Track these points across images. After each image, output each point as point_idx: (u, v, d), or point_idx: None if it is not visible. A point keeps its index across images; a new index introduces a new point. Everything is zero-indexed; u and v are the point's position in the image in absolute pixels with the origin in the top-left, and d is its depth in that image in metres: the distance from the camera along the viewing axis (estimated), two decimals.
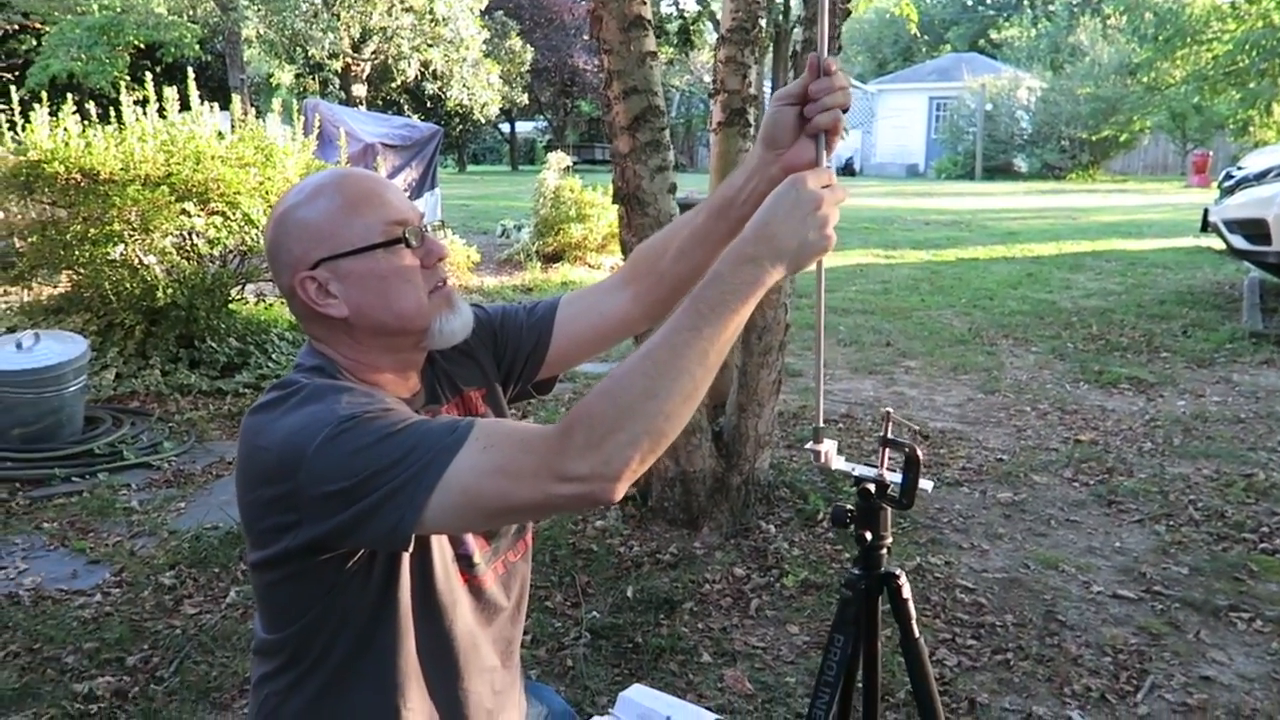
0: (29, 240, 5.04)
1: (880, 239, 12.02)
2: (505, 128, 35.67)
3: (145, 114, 5.08)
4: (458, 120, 27.19)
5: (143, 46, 18.07)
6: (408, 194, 9.46)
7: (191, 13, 17.60)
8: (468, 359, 1.38)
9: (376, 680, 1.20)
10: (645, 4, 3.10)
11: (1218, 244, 7.09)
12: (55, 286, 5.50)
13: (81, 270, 4.97)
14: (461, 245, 8.70)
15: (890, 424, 1.45)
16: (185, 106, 5.33)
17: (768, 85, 13.65)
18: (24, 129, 4.87)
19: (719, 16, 3.45)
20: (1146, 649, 2.69)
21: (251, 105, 5.92)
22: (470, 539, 1.27)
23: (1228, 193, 6.83)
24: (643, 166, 3.09)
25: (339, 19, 19.78)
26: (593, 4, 3.12)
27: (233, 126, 5.53)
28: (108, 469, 3.95)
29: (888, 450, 1.46)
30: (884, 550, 1.50)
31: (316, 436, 1.03)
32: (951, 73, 30.03)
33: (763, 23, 3.49)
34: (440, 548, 1.22)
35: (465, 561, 1.27)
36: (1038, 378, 5.52)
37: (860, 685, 1.60)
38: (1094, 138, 24.22)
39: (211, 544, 3.33)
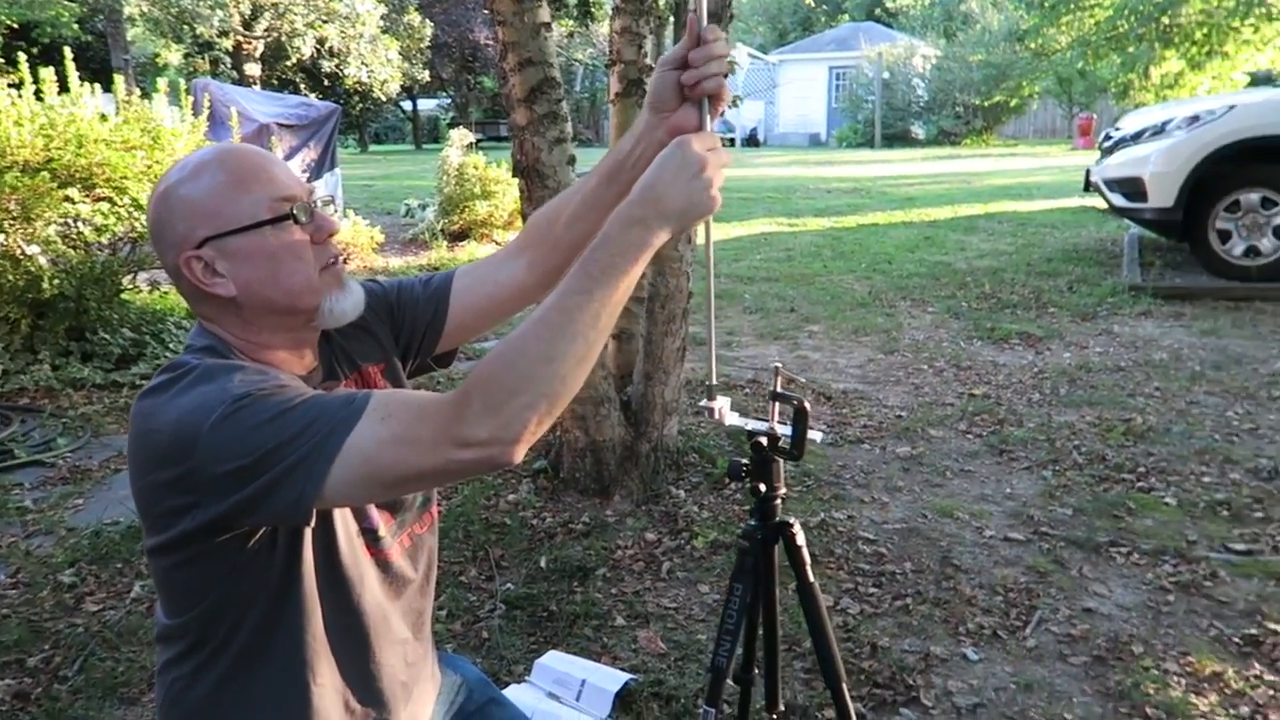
0: None
1: (784, 207, 12.22)
2: (407, 105, 34.89)
3: (20, 97, 4.83)
4: (357, 99, 26.49)
5: (16, 26, 17.11)
6: (306, 175, 9.24)
7: None
8: (365, 334, 1.38)
9: (284, 659, 1.20)
10: None
11: (1100, 203, 7.43)
12: None
13: None
14: (365, 226, 8.54)
15: (780, 379, 1.51)
16: (65, 89, 5.09)
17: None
18: None
19: None
20: (1034, 586, 2.85)
21: (137, 86, 5.66)
22: (374, 513, 1.28)
23: (1107, 153, 7.15)
24: (541, 139, 3.10)
25: None
26: None
27: (117, 109, 5.31)
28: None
29: (778, 404, 1.52)
30: (778, 501, 1.56)
31: (210, 415, 1.03)
32: (850, 42, 30.50)
33: None
34: (344, 522, 1.22)
35: (370, 535, 1.27)
36: (934, 336, 5.73)
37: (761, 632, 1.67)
38: (986, 104, 24.96)
39: (113, 539, 3.24)
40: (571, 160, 3.16)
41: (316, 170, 9.26)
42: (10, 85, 4.94)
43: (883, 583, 2.90)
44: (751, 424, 1.52)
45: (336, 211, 8.26)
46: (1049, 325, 5.82)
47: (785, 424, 1.50)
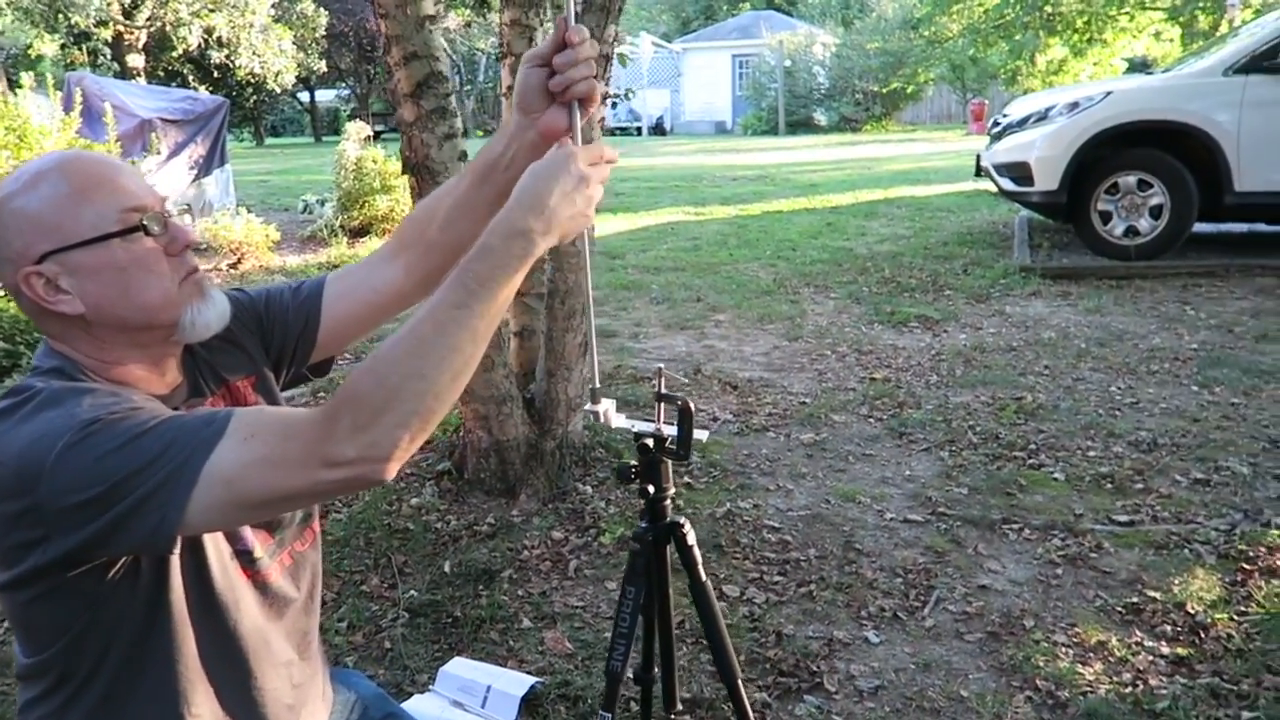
0: None
1: (690, 196, 12.28)
2: (305, 97, 33.93)
3: None
4: (251, 90, 25.58)
5: None
6: (194, 171, 8.90)
7: None
8: (232, 347, 1.32)
9: (155, 690, 1.15)
10: None
11: (991, 187, 7.66)
12: None
13: None
14: (260, 224, 8.26)
15: (663, 379, 1.50)
16: None
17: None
18: None
19: None
20: (932, 566, 2.92)
21: (8, 80, 5.34)
22: (249, 533, 1.23)
23: (996, 138, 7.38)
24: (430, 135, 3.02)
25: None
26: None
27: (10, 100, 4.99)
28: None
29: (663, 405, 1.51)
30: (667, 502, 1.56)
31: (56, 444, 0.98)
32: (752, 30, 30.84)
33: None
34: (216, 545, 1.17)
35: (245, 557, 1.23)
36: (836, 322, 5.83)
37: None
38: (884, 90, 25.56)
39: None
40: (463, 156, 3.09)
41: (205, 167, 8.91)
42: None
43: (787, 570, 2.94)
44: (638, 425, 1.51)
45: (195, 220, 7.95)
46: (946, 308, 5.98)
47: (672, 425, 1.48)
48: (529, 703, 2.32)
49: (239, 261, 8.07)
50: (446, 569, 2.94)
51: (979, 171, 7.62)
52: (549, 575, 2.94)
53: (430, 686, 2.42)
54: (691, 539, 1.56)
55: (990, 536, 3.09)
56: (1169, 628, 2.54)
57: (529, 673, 2.44)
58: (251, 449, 0.99)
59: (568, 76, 1.14)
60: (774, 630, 2.61)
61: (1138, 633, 2.53)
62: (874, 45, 25.54)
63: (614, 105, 12.27)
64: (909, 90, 24.65)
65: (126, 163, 1.20)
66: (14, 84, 5.69)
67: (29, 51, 19.39)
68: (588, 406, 1.42)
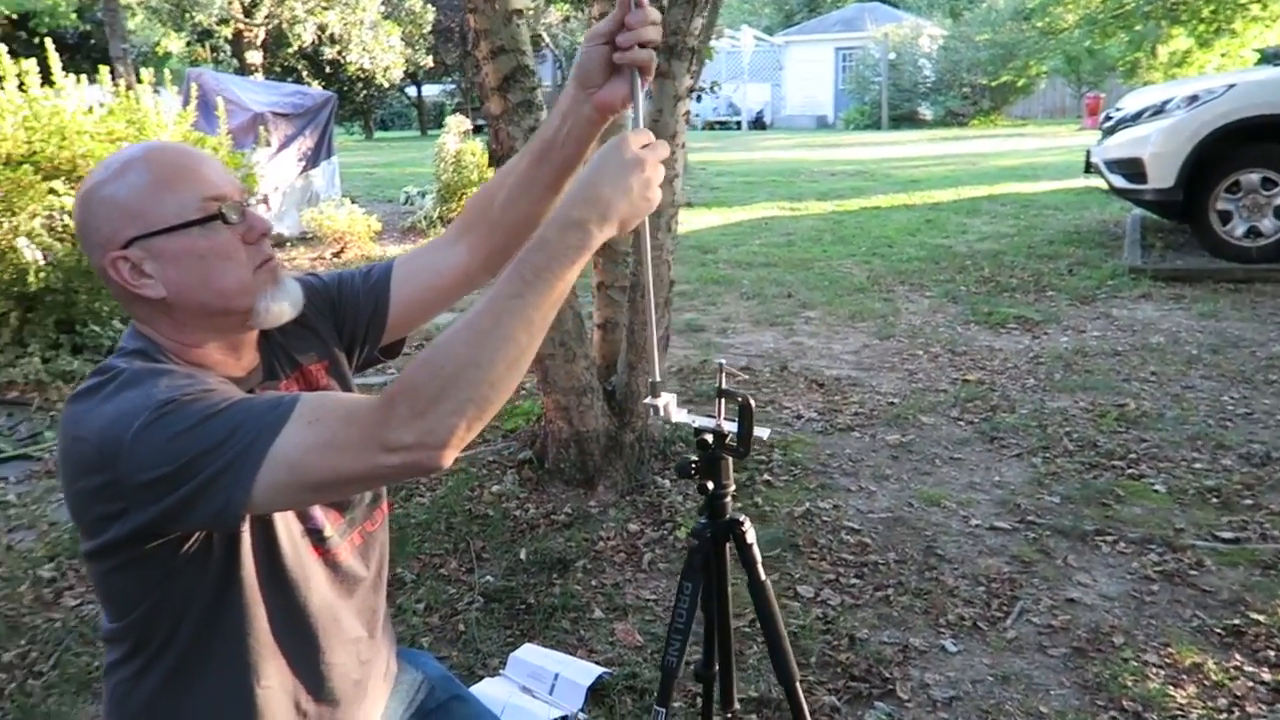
0: None
1: (786, 191, 12.13)
2: (412, 91, 34.79)
3: (3, 89, 4.81)
4: (361, 85, 26.39)
5: (14, 17, 17.11)
6: (302, 163, 9.21)
7: None
8: (306, 331, 1.35)
9: (226, 661, 1.18)
10: None
11: (1102, 184, 7.34)
12: None
13: None
14: (362, 214, 8.52)
15: (724, 375, 1.48)
16: (48, 81, 5.06)
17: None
18: None
19: None
20: (1018, 576, 2.82)
21: (136, 76, 5.62)
22: (319, 513, 1.26)
23: (1108, 133, 7.06)
24: (515, 128, 3.06)
25: None
26: None
27: (117, 98, 5.26)
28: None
29: (724, 401, 1.49)
30: (727, 499, 1.53)
31: (134, 423, 1.01)
32: (856, 22, 30.24)
33: None
34: (286, 524, 1.20)
35: (316, 535, 1.25)
36: (931, 321, 5.68)
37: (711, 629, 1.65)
38: (993, 83, 24.70)
39: None
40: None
41: (313, 159, 9.22)
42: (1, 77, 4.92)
43: (865, 573, 2.88)
44: (699, 421, 1.49)
45: (270, 210, 8.20)
46: (1047, 309, 5.76)
47: (733, 421, 1.46)
48: (596, 692, 2.33)
49: (342, 250, 8.34)
50: (522, 556, 2.98)
51: (1089, 168, 7.30)
52: (623, 567, 2.95)
53: (500, 671, 2.45)
54: (751, 537, 1.54)
55: (1081, 548, 2.97)
56: (1272, 653, 2.39)
57: (598, 663, 2.45)
58: (314, 433, 1.01)
59: (634, 36, 1.14)
60: (847, 634, 2.56)
61: (1237, 656, 2.39)
62: (983, 37, 24.70)
63: (699, 98, 12.19)
64: (1020, 83, 23.79)
65: (209, 153, 1.23)
66: (160, 80, 5.98)
67: (156, 49, 20.39)
68: (648, 400, 1.40)
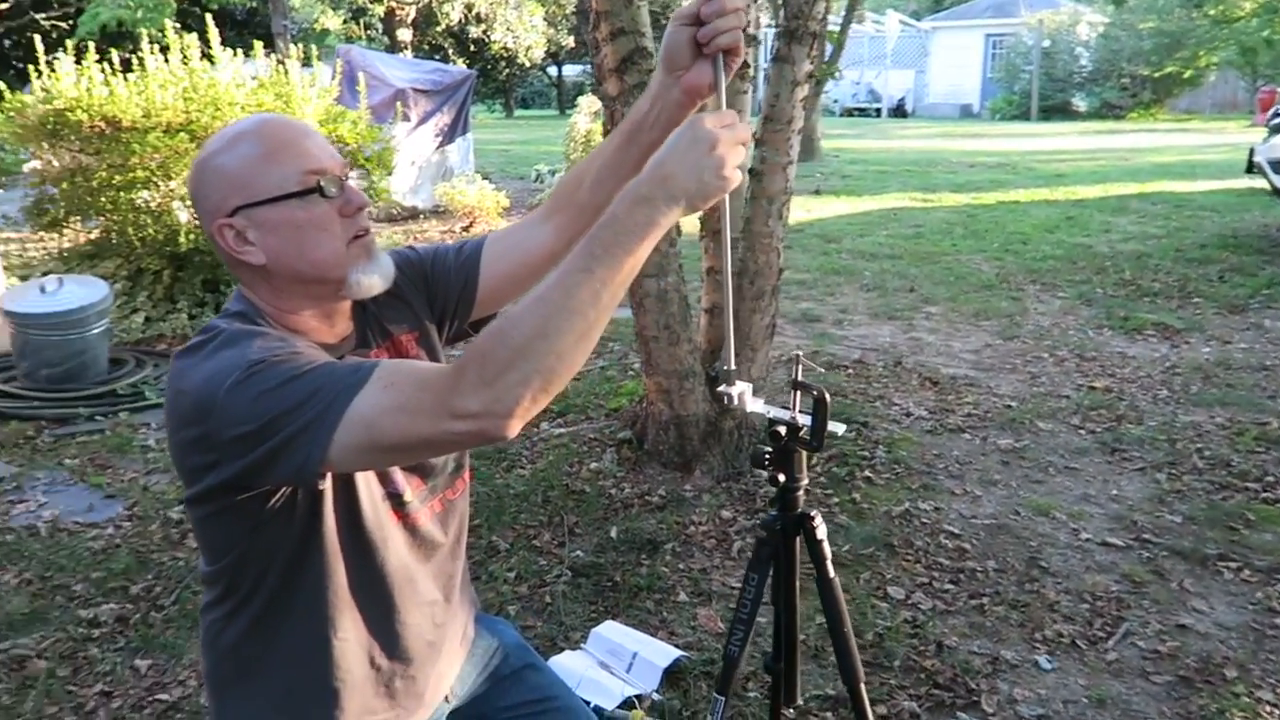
0: (60, 187, 5.18)
1: (920, 182, 11.77)
2: (553, 71, 35.36)
3: (167, 62, 5.15)
4: (503, 64, 27.00)
5: None
6: (439, 139, 9.49)
7: None
8: (399, 301, 1.39)
9: (307, 611, 1.24)
10: None
11: (1266, 185, 6.82)
12: (90, 233, 5.65)
13: (110, 216, 5.10)
14: (491, 190, 8.73)
15: (800, 367, 1.46)
16: (207, 55, 5.39)
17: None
18: (51, 77, 4.98)
19: None
20: (1126, 596, 2.68)
21: (295, 51, 5.95)
22: (400, 478, 1.30)
23: (1276, 131, 6.56)
24: (631, 109, 3.07)
25: None
26: None
27: (282, 70, 5.54)
28: (129, 408, 4.11)
29: (798, 393, 1.47)
30: (799, 492, 1.51)
31: (226, 381, 1.07)
32: (1009, 8, 28.91)
33: None
34: (368, 486, 1.25)
35: (396, 500, 1.29)
36: (1060, 324, 5.42)
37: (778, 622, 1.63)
38: (1157, 75, 23.24)
39: None
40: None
41: (449, 135, 9.50)
42: (164, 49, 5.27)
43: (961, 580, 2.79)
44: (774, 412, 1.47)
45: (364, 185, 8.40)
46: (1191, 317, 5.41)
47: (808, 413, 1.44)
48: (672, 675, 2.35)
49: (471, 224, 8.58)
50: (613, 534, 3.02)
51: (1252, 168, 6.80)
52: (712, 553, 2.95)
53: (581, 645, 2.50)
54: (822, 533, 1.51)
55: (1201, 572, 2.79)
56: None
57: (677, 646, 2.46)
58: (389, 396, 1.05)
59: (715, 26, 1.13)
60: (935, 640, 2.49)
61: None
62: (1148, 25, 23.23)
63: (818, 83, 11.94)
64: (1186, 75, 22.31)
65: (313, 127, 1.28)
66: (309, 56, 6.28)
67: (315, 25, 21.38)
68: (721, 388, 1.39)
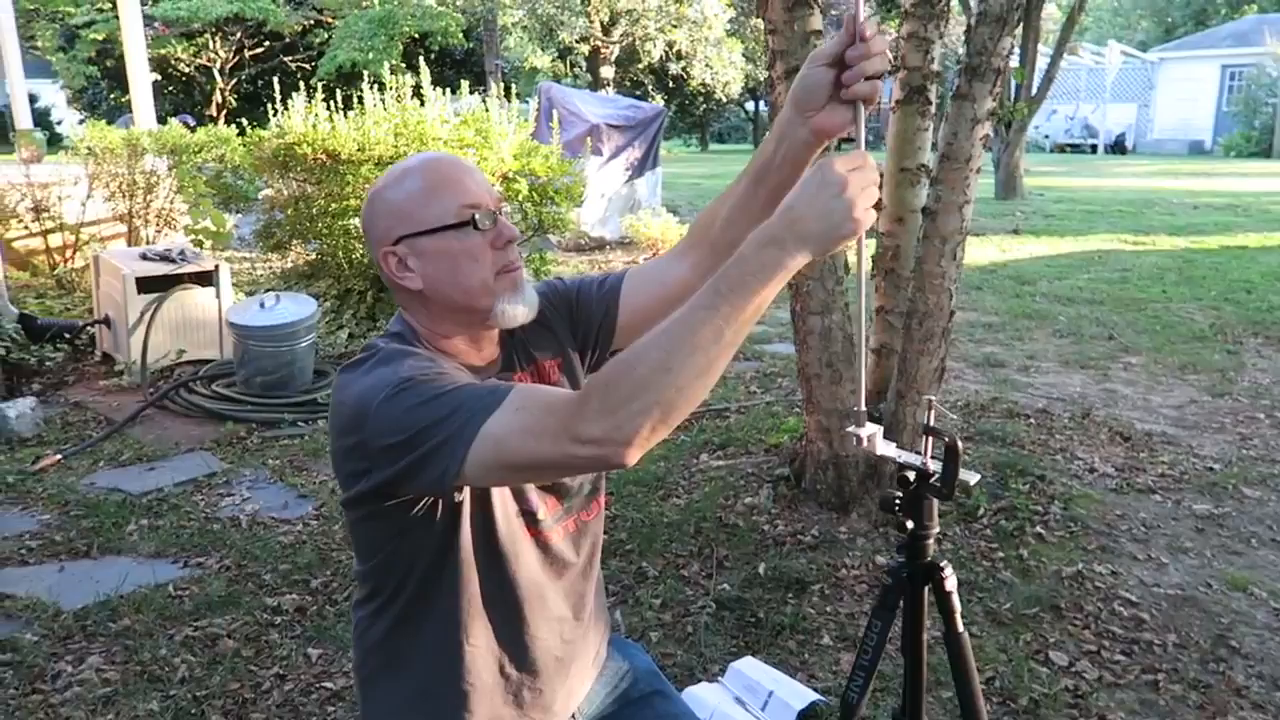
0: (286, 213, 5.74)
1: (1132, 223, 11.00)
2: (750, 106, 35.62)
3: (383, 98, 5.62)
4: (701, 99, 27.46)
5: (416, 36, 19.71)
6: (629, 172, 9.77)
7: (456, 2, 18.96)
8: (545, 330, 1.46)
9: (444, 616, 1.33)
10: None
11: None
12: (309, 255, 6.21)
13: (325, 240, 5.59)
14: (675, 223, 8.91)
15: (933, 412, 1.42)
16: (417, 93, 5.82)
17: (1015, 58, 12.80)
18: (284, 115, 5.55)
19: None
20: None
21: (505, 89, 6.38)
22: (535, 497, 1.36)
23: None
24: None
25: (589, 3, 20.56)
26: None
27: (501, 106, 5.90)
28: (326, 416, 4.47)
29: (930, 439, 1.43)
30: (929, 540, 1.47)
31: (379, 395, 1.17)
32: (1251, 37, 26.65)
33: None
34: (503, 503, 1.32)
35: (530, 517, 1.36)
36: None
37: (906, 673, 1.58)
38: None
39: None
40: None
41: (639, 169, 9.77)
42: (379, 87, 5.74)
43: (1134, 652, 2.58)
44: (905, 457, 1.44)
45: (617, 217, 8.49)
46: None
47: (939, 460, 1.40)
48: (806, 717, 2.30)
49: (654, 255, 8.78)
50: (761, 570, 3.00)
51: None
52: (862, 598, 2.87)
53: (718, 678, 2.50)
54: (951, 584, 1.46)
55: None
56: None
57: (815, 689, 2.42)
58: (519, 418, 1.11)
59: (859, 70, 1.12)
60: (1098, 714, 2.32)
61: None
62: None
63: (1006, 123, 11.44)
64: None
65: (474, 164, 1.39)
66: (517, 93, 6.68)
67: (525, 64, 22.56)
68: (850, 428, 1.37)
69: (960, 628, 1.47)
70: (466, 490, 1.26)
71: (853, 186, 1.04)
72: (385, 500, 1.23)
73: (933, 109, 3.52)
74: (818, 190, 1.05)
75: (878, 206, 1.21)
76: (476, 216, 1.28)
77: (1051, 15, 21.09)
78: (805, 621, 2.73)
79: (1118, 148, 27.29)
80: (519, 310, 1.33)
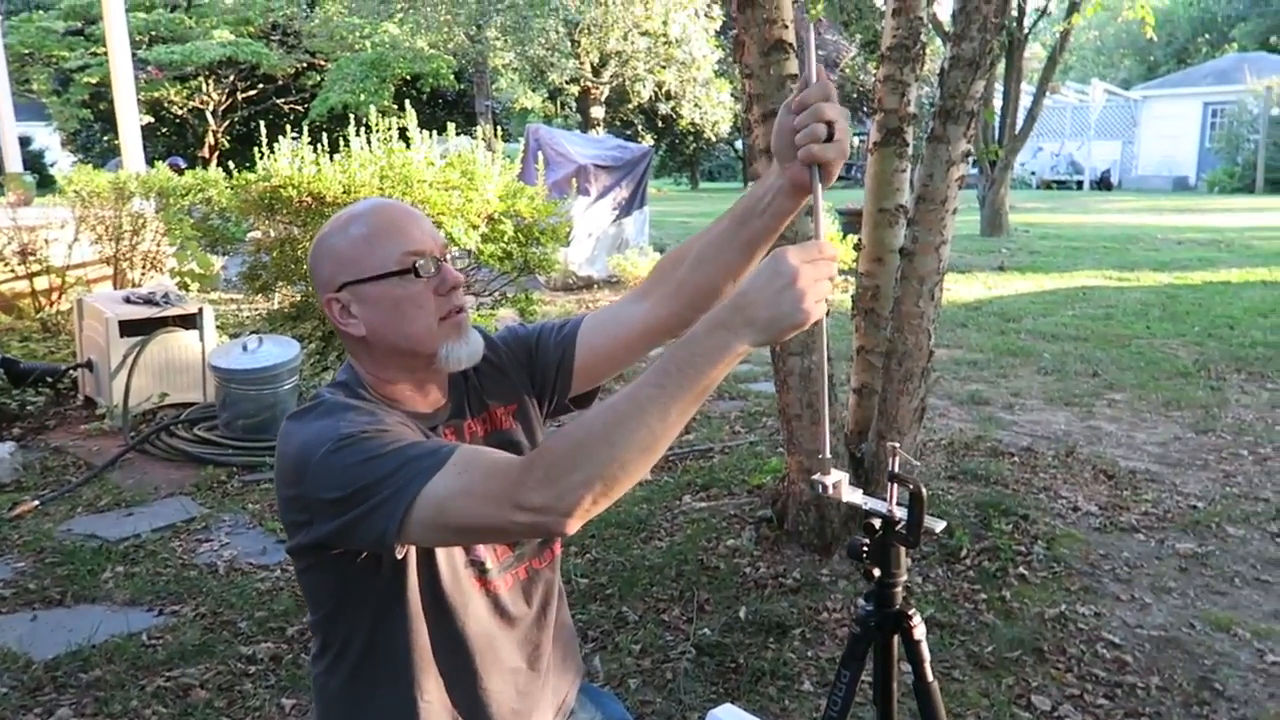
0: (272, 255, 5.74)
1: (1116, 259, 11.10)
2: (739, 145, 35.95)
3: (369, 141, 5.65)
4: (690, 139, 27.72)
5: (407, 78, 19.91)
6: (616, 212, 9.84)
7: (447, 46, 19.17)
8: (500, 375, 1.46)
9: (394, 671, 1.31)
10: (787, 28, 3.11)
11: None
12: (294, 296, 6.21)
13: (309, 282, 5.59)
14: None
15: (896, 459, 1.42)
16: (404, 138, 5.86)
17: (999, 98, 12.97)
18: (271, 158, 5.57)
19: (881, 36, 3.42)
20: None
21: (494, 130, 6.41)
22: (483, 547, 1.35)
23: None
24: None
25: (578, 45, 20.81)
26: (736, 29, 3.18)
27: (489, 148, 5.95)
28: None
29: (895, 485, 1.42)
30: (897, 588, 1.46)
31: (320, 449, 1.17)
32: (1232, 75, 27.04)
33: (924, 40, 3.40)
34: (449, 553, 1.31)
35: (478, 567, 1.35)
36: (1267, 418, 4.94)
37: None
38: None
39: None
40: (808, 211, 3.13)
41: (626, 208, 9.83)
42: (365, 129, 5.78)
43: (1117, 695, 2.56)
44: (870, 504, 1.43)
45: (604, 256, 8.50)
46: None
47: (905, 507, 1.39)
48: None
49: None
50: (742, 614, 2.97)
51: None
52: (844, 642, 2.83)
53: None
54: (920, 633, 1.44)
55: None
56: None
57: None
58: (461, 481, 1.11)
59: (805, 133, 1.12)
60: None
61: None
62: None
63: (991, 165, 11.68)
64: None
65: (419, 212, 1.39)
66: (507, 132, 6.73)
67: (515, 104, 22.78)
68: (816, 476, 1.36)
69: (930, 677, 1.45)
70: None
71: (804, 278, 1.03)
72: (327, 550, 1.23)
73: (910, 150, 3.55)
74: (769, 280, 1.04)
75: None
76: (418, 264, 1.28)
77: (1036, 54, 21.41)
78: (786, 667, 2.70)
79: (1103, 184, 27.58)
80: (463, 354, 1.33)
